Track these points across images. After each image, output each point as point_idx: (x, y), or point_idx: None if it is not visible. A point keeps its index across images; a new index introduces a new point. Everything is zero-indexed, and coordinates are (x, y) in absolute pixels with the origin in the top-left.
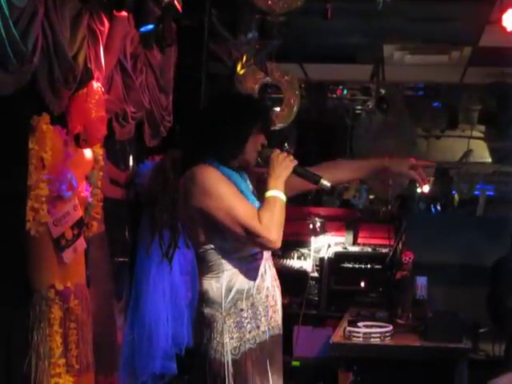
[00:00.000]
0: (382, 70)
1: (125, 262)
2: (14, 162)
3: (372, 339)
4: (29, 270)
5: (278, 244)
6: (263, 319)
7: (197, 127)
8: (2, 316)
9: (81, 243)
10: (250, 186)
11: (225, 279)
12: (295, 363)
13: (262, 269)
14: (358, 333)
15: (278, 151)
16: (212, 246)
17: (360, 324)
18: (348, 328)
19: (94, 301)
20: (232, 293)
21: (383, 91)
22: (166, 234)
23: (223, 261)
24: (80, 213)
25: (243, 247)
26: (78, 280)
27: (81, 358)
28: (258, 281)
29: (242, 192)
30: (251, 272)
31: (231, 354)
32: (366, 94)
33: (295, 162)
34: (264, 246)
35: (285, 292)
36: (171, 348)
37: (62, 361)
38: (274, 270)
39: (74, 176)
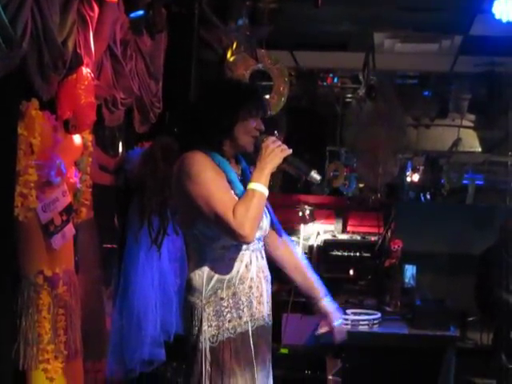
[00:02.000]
0: (372, 58)
1: (113, 249)
2: (2, 147)
3: (360, 326)
4: (17, 256)
5: (250, 239)
6: (245, 309)
7: (186, 114)
8: None
9: (69, 229)
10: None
11: (207, 267)
12: (284, 351)
13: (246, 259)
14: (347, 320)
15: (271, 139)
16: (196, 232)
17: (348, 311)
18: None
19: (83, 287)
20: (213, 281)
21: (373, 79)
22: (155, 221)
23: (207, 248)
24: (69, 199)
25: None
26: (66, 266)
27: (69, 344)
28: (241, 271)
29: (230, 182)
30: (234, 262)
31: (209, 341)
32: (356, 82)
33: (287, 152)
34: (235, 239)
35: (274, 279)
36: (160, 335)
37: (51, 347)
38: (263, 262)
39: (62, 162)
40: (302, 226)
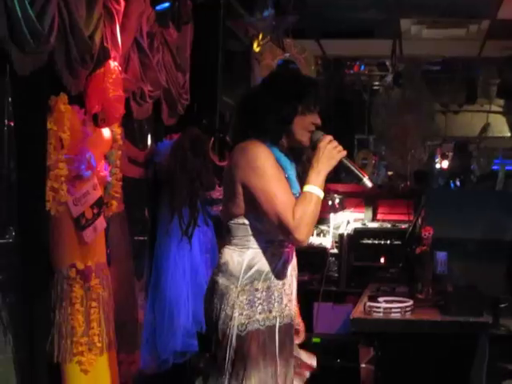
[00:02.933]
0: (399, 44)
1: (144, 241)
2: (32, 142)
3: (392, 314)
4: (50, 250)
5: (305, 243)
6: (276, 305)
7: (245, 106)
8: (25, 296)
9: (101, 222)
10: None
11: (248, 256)
12: (315, 340)
13: (285, 256)
14: (379, 308)
15: (327, 138)
16: (245, 222)
17: (380, 299)
18: (368, 303)
19: (115, 279)
20: (252, 271)
21: (401, 66)
22: (185, 212)
23: (251, 238)
24: (99, 192)
25: (274, 231)
26: (98, 259)
27: (103, 336)
28: (279, 266)
29: (288, 178)
30: (275, 257)
31: (237, 329)
32: (383, 70)
33: (343, 154)
34: (289, 241)
35: (305, 269)
36: (192, 325)
37: (85, 339)
38: (295, 261)
39: (92, 155)
40: (331, 214)
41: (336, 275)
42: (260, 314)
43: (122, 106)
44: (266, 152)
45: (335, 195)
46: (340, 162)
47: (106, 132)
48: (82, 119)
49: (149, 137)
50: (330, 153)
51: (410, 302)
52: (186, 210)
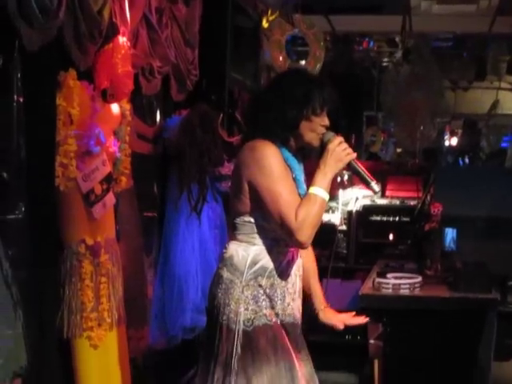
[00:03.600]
0: (409, 20)
1: (154, 217)
2: (42, 118)
3: (401, 290)
4: (59, 226)
5: (306, 246)
6: (279, 303)
7: (253, 107)
8: (34, 271)
9: (110, 198)
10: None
11: (253, 251)
12: None
13: (290, 255)
14: (388, 284)
15: (337, 140)
16: (251, 220)
17: (389, 275)
18: (377, 279)
19: (124, 255)
20: (256, 266)
21: (410, 42)
22: (194, 188)
23: (257, 236)
24: (108, 168)
25: (280, 230)
26: (107, 235)
27: (112, 311)
28: (283, 265)
29: (295, 180)
30: (280, 255)
31: (243, 324)
32: (392, 46)
33: (352, 156)
34: (291, 242)
35: (313, 245)
36: (201, 301)
37: (94, 315)
38: (300, 260)
39: (101, 131)
40: (340, 191)
41: (345, 252)
42: (266, 309)
43: (131, 81)
44: (274, 151)
45: (344, 172)
46: (348, 165)
47: (115, 108)
48: (91, 95)
49: (158, 113)
50: (339, 155)
51: (419, 279)
52: (194, 185)
